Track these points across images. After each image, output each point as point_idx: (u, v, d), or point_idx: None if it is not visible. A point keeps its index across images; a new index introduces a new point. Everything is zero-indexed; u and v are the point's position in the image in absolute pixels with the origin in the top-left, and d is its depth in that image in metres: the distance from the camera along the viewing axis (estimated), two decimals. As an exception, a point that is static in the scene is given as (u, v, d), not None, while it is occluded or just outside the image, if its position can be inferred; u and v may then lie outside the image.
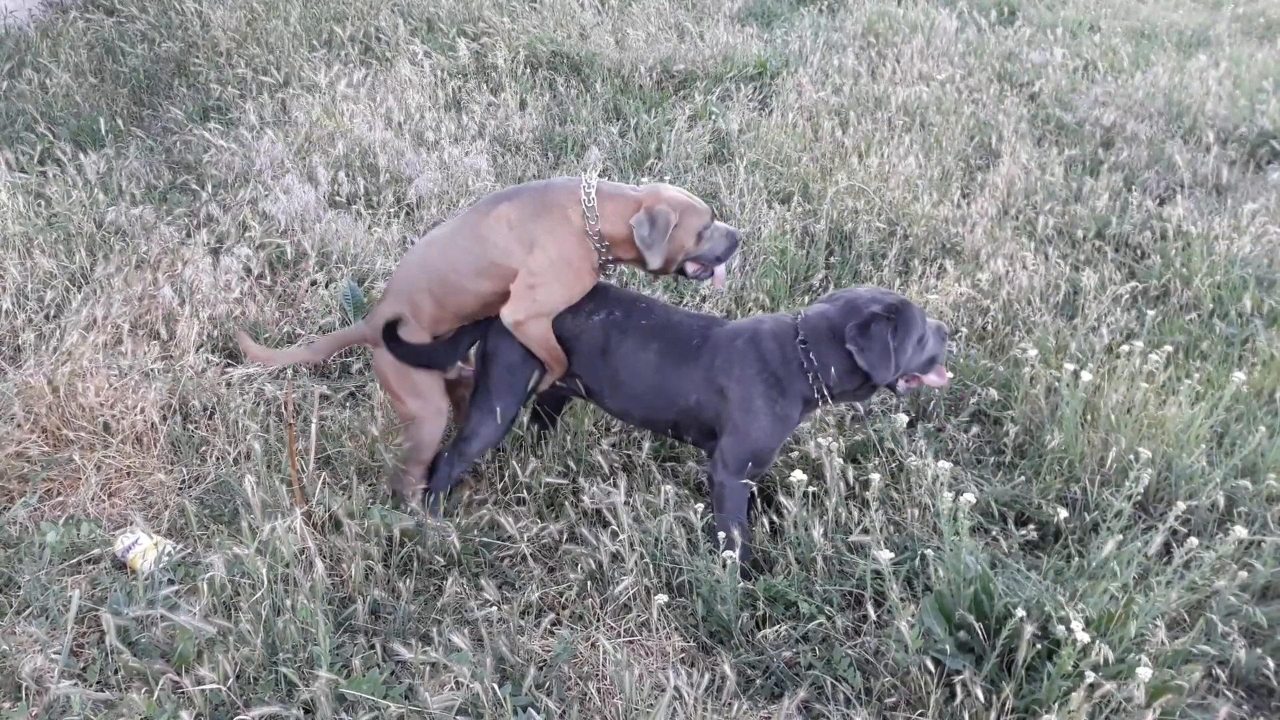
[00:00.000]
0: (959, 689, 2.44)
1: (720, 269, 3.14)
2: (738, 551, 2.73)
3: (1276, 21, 8.58)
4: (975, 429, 3.56)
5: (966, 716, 2.45)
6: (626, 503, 2.89)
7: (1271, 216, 4.99)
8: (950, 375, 3.67)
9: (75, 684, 2.43)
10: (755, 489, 3.02)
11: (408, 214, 4.89)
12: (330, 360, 3.94)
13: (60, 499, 3.26)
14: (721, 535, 2.80)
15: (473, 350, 3.24)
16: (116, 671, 2.54)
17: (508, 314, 2.99)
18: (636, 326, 3.05)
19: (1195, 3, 9.40)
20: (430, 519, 3.02)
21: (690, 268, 3.11)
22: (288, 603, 2.61)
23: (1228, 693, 2.64)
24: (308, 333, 4.05)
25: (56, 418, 3.39)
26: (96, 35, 6.88)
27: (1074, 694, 2.29)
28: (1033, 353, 3.63)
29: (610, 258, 3.03)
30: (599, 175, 3.12)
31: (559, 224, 2.97)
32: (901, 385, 3.02)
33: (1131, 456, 2.99)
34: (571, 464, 3.31)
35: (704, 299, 4.19)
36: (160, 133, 5.78)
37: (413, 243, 4.47)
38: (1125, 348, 3.56)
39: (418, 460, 3.15)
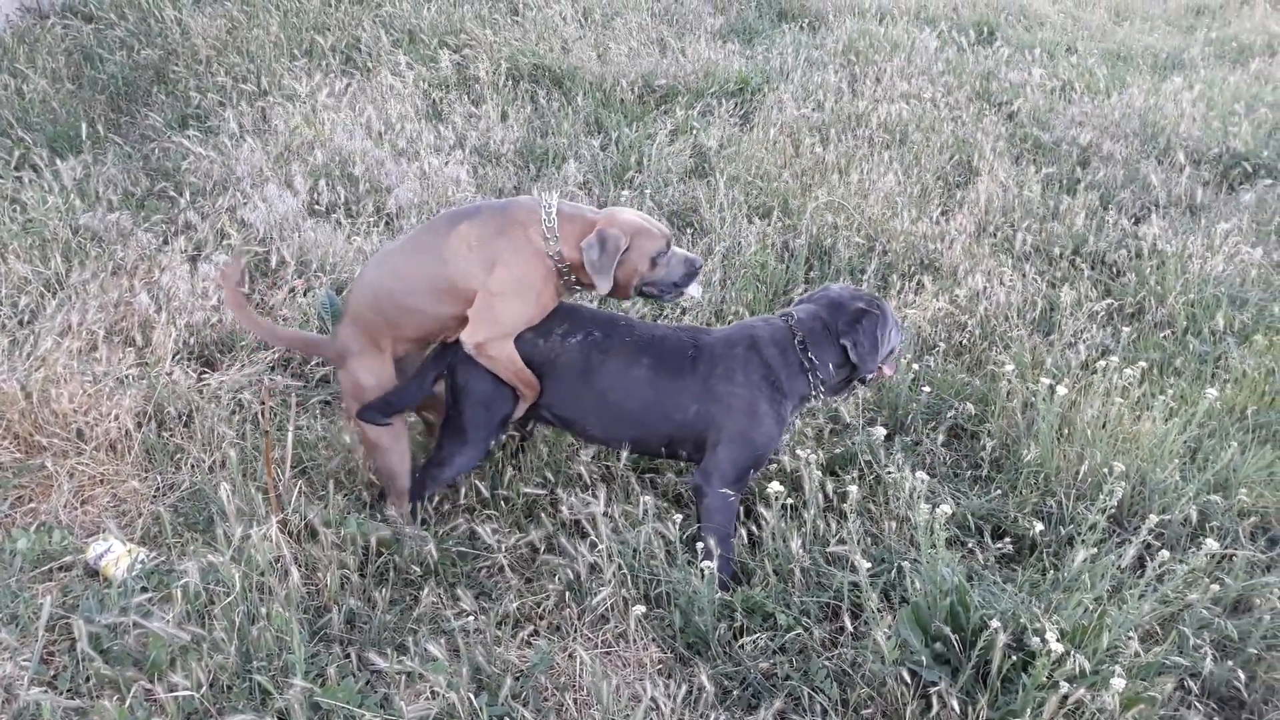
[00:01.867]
0: (935, 700, 2.46)
1: (692, 287, 3.06)
2: (716, 563, 2.73)
3: (1249, 46, 8.73)
4: (953, 443, 3.58)
5: (942, 728, 2.46)
6: (605, 514, 2.88)
7: (1244, 236, 5.07)
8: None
9: (45, 691, 2.40)
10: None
11: (387, 223, 4.88)
12: (307, 369, 3.92)
13: (32, 506, 3.22)
14: (700, 546, 2.79)
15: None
16: (88, 679, 2.51)
17: (468, 337, 2.92)
18: (621, 345, 3.00)
19: (1170, 27, 9.56)
20: (408, 527, 3.01)
21: (650, 291, 3.04)
22: (262, 611, 2.59)
23: (1199, 704, 2.66)
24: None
25: (29, 424, 3.35)
26: (75, 42, 6.84)
27: (1048, 704, 2.31)
28: (1009, 368, 3.67)
29: (572, 279, 2.98)
30: (559, 196, 3.08)
31: (520, 243, 2.91)
32: (870, 376, 3.10)
33: (1106, 471, 3.01)
34: (550, 475, 3.30)
35: (684, 311, 4.21)
36: (138, 140, 5.74)
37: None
38: (1101, 364, 3.60)
39: (397, 490, 3.11)
